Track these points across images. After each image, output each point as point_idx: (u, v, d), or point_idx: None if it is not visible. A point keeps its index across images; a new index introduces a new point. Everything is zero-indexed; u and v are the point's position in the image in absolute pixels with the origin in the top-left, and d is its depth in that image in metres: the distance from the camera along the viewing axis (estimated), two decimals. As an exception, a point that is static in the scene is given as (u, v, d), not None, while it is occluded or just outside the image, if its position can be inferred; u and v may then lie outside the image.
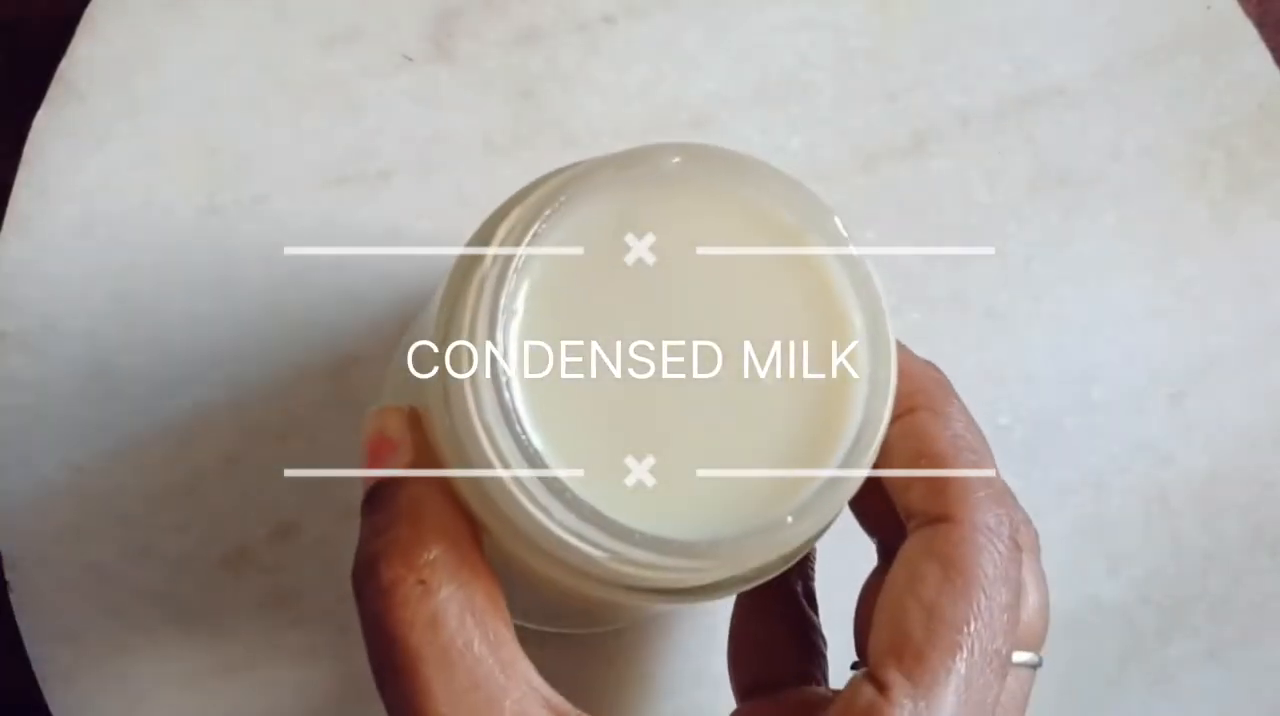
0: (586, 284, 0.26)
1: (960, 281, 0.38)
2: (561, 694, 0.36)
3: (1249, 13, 0.40)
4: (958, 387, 0.39)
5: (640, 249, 0.27)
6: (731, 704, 0.36)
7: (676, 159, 0.26)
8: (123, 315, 0.36)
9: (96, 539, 0.35)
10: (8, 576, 0.35)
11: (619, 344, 0.26)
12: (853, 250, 0.26)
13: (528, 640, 0.36)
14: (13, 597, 0.35)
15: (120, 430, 0.35)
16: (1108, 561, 0.38)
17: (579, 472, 0.25)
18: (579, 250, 0.26)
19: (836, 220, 0.26)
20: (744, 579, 0.27)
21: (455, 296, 0.26)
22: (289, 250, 0.36)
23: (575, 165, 0.27)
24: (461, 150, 0.37)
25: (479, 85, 0.38)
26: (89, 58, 0.36)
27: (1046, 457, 0.38)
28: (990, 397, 0.38)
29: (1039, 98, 0.39)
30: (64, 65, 0.36)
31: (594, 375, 0.26)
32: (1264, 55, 0.40)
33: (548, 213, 0.26)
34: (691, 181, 0.27)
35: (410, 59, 0.37)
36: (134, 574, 0.35)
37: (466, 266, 0.26)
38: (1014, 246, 0.39)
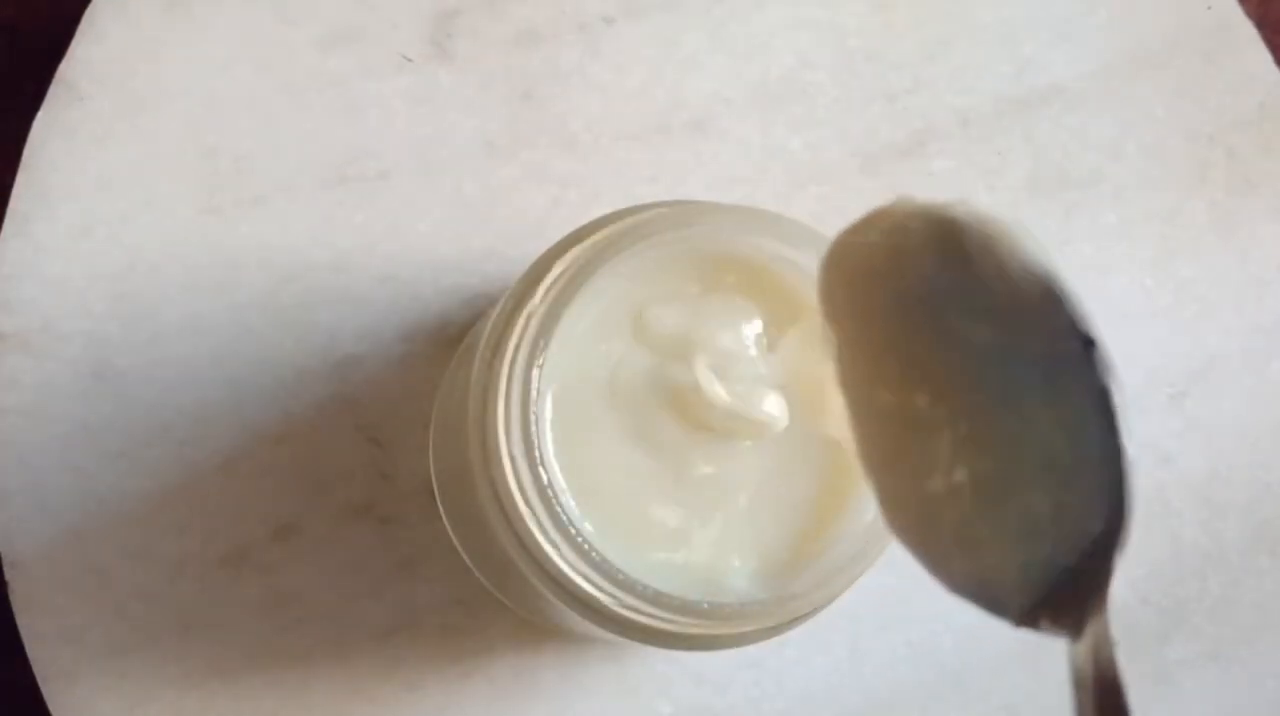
0: (626, 338, 0.27)
1: (960, 281, 0.38)
2: (561, 693, 0.36)
3: (1249, 13, 0.40)
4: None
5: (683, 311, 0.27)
6: (732, 704, 0.37)
7: (731, 221, 0.27)
8: (122, 316, 0.36)
9: (96, 539, 0.35)
10: (8, 576, 0.35)
11: (649, 404, 0.27)
12: None
13: (529, 638, 0.36)
14: (13, 597, 0.35)
15: (120, 430, 0.35)
16: (1107, 561, 0.38)
17: (600, 520, 0.26)
18: (621, 305, 0.27)
19: None
20: (750, 637, 0.27)
21: (504, 324, 0.26)
22: (288, 251, 0.37)
23: (631, 211, 0.27)
24: (461, 150, 0.37)
25: (479, 85, 0.38)
26: (89, 58, 0.36)
27: (1046, 458, 0.38)
28: (990, 398, 0.38)
29: (1039, 98, 0.39)
30: (64, 66, 0.36)
31: (626, 428, 0.26)
32: (1264, 55, 0.40)
33: (600, 262, 0.26)
34: (742, 250, 0.27)
35: (410, 59, 0.37)
36: (134, 574, 0.35)
37: (520, 294, 0.26)
38: (1014, 246, 0.39)
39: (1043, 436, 0.19)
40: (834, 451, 0.27)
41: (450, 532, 0.35)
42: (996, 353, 0.20)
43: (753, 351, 0.27)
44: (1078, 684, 0.19)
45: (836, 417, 0.23)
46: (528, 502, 0.25)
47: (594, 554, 0.25)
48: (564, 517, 0.25)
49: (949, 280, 0.20)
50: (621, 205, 0.28)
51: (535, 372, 0.25)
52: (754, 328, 0.27)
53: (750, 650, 0.28)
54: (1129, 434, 0.19)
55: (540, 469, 0.25)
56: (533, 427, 0.25)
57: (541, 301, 0.26)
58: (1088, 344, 0.19)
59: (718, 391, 0.26)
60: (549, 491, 0.25)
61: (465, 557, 0.34)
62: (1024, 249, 0.20)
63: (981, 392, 0.20)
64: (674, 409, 0.27)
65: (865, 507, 0.26)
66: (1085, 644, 0.19)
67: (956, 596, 0.21)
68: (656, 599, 0.25)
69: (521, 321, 0.26)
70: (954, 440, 0.20)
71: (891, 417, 0.21)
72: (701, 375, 0.26)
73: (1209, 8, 0.40)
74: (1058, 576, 0.20)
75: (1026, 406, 0.19)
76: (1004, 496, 0.20)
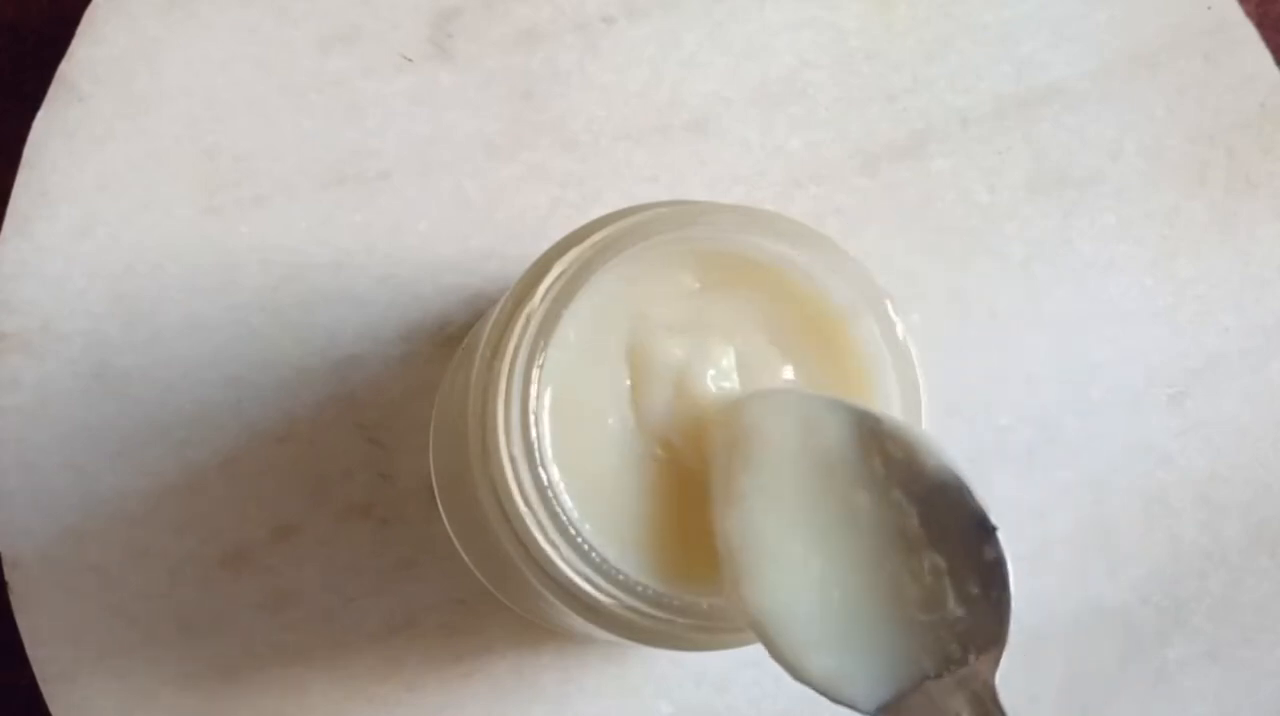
0: (626, 337, 0.27)
1: (960, 282, 0.38)
2: (562, 693, 0.36)
3: (1249, 13, 0.40)
4: (958, 388, 0.39)
5: (684, 309, 0.27)
6: (732, 704, 0.37)
7: (731, 220, 0.27)
8: (122, 316, 0.36)
9: (97, 539, 0.35)
10: (8, 576, 0.35)
11: (648, 402, 0.27)
12: (900, 334, 0.27)
13: (529, 638, 0.36)
14: (13, 598, 0.35)
15: (120, 430, 0.35)
16: (1108, 562, 0.38)
17: (600, 521, 0.26)
18: (621, 305, 0.27)
19: (888, 303, 0.26)
20: (749, 637, 0.27)
21: (504, 324, 0.26)
22: (288, 251, 0.37)
23: (631, 211, 0.27)
24: (461, 150, 0.37)
25: (479, 85, 0.38)
26: (89, 58, 0.36)
27: (1046, 458, 0.38)
28: (990, 398, 0.38)
29: (1039, 98, 0.39)
30: (64, 65, 0.36)
31: (626, 429, 0.26)
32: (1264, 55, 0.40)
33: (600, 262, 0.26)
34: (742, 249, 0.27)
35: (410, 59, 0.37)
36: (134, 574, 0.35)
37: (520, 294, 0.26)
38: (1014, 246, 0.39)
39: (920, 584, 0.24)
40: None
41: (450, 532, 0.35)
42: (883, 515, 0.25)
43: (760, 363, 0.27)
44: None
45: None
46: (527, 502, 0.25)
47: (594, 554, 0.25)
48: (563, 518, 0.25)
49: (856, 459, 0.25)
50: (621, 205, 0.28)
51: (535, 372, 0.25)
52: (752, 342, 0.27)
53: (750, 650, 0.28)
54: (1015, 594, 0.24)
55: (540, 469, 0.25)
56: (532, 428, 0.25)
57: (541, 301, 0.26)
58: (991, 529, 0.24)
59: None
60: (549, 491, 0.25)
61: (465, 557, 0.34)
62: (937, 447, 0.25)
63: (860, 541, 0.25)
64: (676, 409, 0.27)
65: None
66: None
67: (803, 685, 0.25)
68: (657, 599, 0.25)
69: (521, 321, 0.26)
70: (826, 570, 0.25)
71: (764, 540, 0.25)
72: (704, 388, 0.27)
73: (1209, 8, 0.40)
74: (918, 680, 0.24)
75: (897, 559, 0.25)
76: (869, 619, 0.25)
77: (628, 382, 0.27)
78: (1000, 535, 0.24)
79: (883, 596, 0.24)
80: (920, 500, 0.25)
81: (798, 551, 0.24)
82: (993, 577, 0.24)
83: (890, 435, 0.25)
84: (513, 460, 0.25)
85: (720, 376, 0.27)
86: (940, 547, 0.24)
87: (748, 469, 0.25)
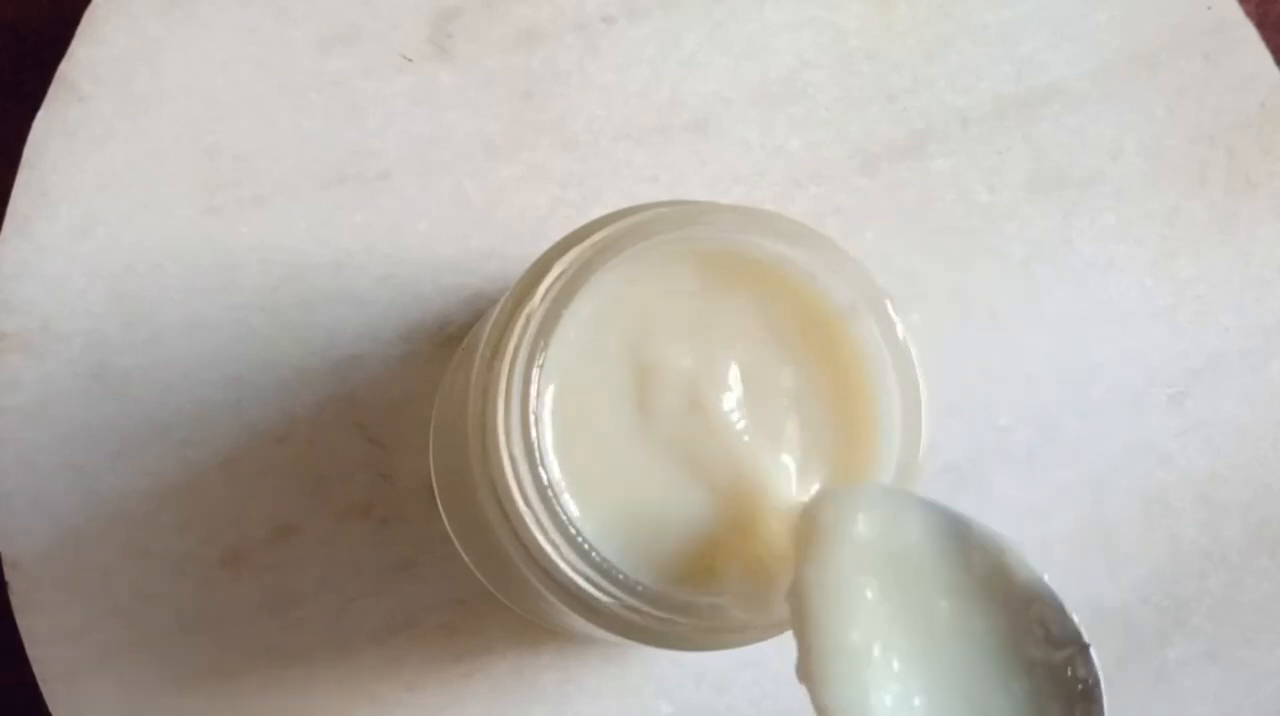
0: (626, 337, 0.27)
1: (960, 282, 0.39)
2: (562, 693, 0.36)
3: (1249, 13, 0.40)
4: (958, 388, 0.39)
5: (685, 310, 0.27)
6: (732, 704, 0.37)
7: (731, 220, 0.26)
8: (123, 316, 0.36)
9: (97, 539, 0.35)
10: (8, 576, 0.35)
11: (649, 404, 0.27)
12: (900, 333, 0.27)
13: (529, 638, 0.36)
14: (13, 597, 0.35)
15: (120, 430, 0.35)
16: (1107, 562, 0.38)
17: (600, 521, 0.26)
18: (621, 305, 0.27)
19: (888, 303, 0.26)
20: (750, 637, 0.27)
21: (504, 324, 0.26)
22: (288, 251, 0.37)
23: (631, 211, 0.27)
24: (461, 150, 0.37)
25: (479, 85, 0.38)
26: (89, 58, 0.36)
27: (1046, 458, 0.38)
28: (990, 398, 0.38)
29: (1039, 98, 0.39)
30: (64, 65, 0.36)
31: (626, 429, 0.27)
32: (1264, 55, 0.40)
33: (600, 262, 0.26)
34: (742, 249, 0.27)
35: (410, 59, 0.37)
36: (134, 574, 0.35)
37: (520, 294, 0.26)
38: (1014, 246, 0.39)
39: (1008, 696, 0.24)
40: (840, 468, 0.27)
41: (450, 532, 0.35)
42: (968, 624, 0.24)
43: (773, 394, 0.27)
44: None
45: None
46: (528, 502, 0.25)
47: (594, 554, 0.25)
48: (564, 517, 0.25)
49: (941, 565, 0.25)
50: (621, 205, 0.28)
51: (535, 372, 0.25)
52: (765, 368, 0.27)
53: (750, 650, 0.28)
54: (1108, 711, 0.24)
55: (540, 469, 0.25)
56: (532, 428, 0.25)
57: (541, 301, 0.26)
58: (1084, 646, 0.24)
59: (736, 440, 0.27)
60: (549, 491, 0.25)
61: (465, 557, 0.34)
62: (1027, 558, 0.24)
63: (944, 648, 0.24)
64: (688, 424, 0.27)
65: None
66: None
67: None
68: (657, 599, 0.25)
69: (521, 321, 0.26)
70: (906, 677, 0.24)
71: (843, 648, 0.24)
72: (716, 416, 0.27)
73: (1209, 8, 0.40)
74: None
75: (983, 669, 0.24)
76: None
77: (629, 384, 0.27)
78: (1093, 652, 0.24)
79: (968, 707, 0.24)
80: (1009, 611, 0.24)
81: (876, 655, 0.24)
82: (1087, 694, 0.24)
83: (979, 544, 0.24)
84: (513, 460, 0.25)
85: (731, 392, 0.27)
86: (1029, 661, 0.24)
87: (825, 567, 0.24)
